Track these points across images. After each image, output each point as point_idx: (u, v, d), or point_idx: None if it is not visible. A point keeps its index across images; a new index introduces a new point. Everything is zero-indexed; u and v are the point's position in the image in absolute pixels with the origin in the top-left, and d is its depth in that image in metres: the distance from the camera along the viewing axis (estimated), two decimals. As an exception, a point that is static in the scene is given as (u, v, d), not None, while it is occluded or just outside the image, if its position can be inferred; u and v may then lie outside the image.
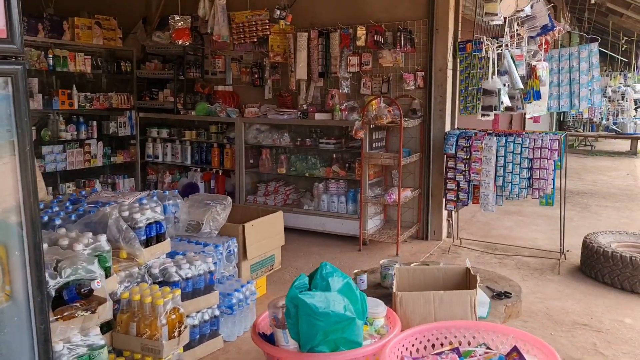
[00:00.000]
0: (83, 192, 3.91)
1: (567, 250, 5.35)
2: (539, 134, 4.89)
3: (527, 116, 4.68)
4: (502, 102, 3.95)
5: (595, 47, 5.02)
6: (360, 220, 5.46)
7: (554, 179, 4.87)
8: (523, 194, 4.89)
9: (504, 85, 3.95)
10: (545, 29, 3.98)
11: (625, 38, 12.31)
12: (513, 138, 4.84)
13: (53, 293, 2.14)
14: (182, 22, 6.11)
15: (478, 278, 2.25)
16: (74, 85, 6.01)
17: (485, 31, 5.57)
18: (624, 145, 14.56)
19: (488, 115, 4.03)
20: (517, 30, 4.01)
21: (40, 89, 5.69)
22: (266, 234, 4.20)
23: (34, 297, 1.98)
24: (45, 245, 2.49)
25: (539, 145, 4.74)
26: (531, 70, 4.22)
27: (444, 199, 5.33)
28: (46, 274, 2.13)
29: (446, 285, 2.39)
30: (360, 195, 5.44)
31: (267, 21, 5.90)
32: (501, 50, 4.02)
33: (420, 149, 5.73)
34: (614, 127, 13.91)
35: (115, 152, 6.63)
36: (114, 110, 6.58)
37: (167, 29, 6.34)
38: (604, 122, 14.66)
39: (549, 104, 5.11)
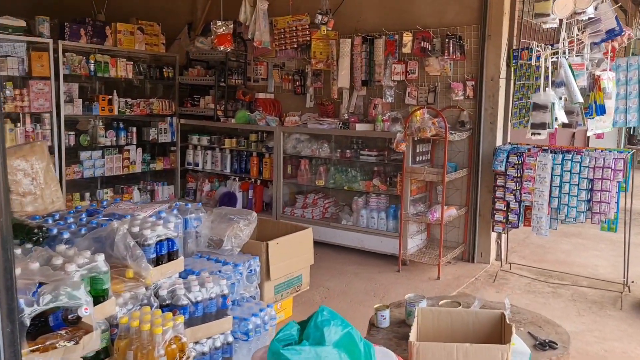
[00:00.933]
0: (104, 202, 3.78)
1: (632, 282, 4.80)
2: (602, 151, 4.39)
3: (588, 133, 4.18)
4: (556, 119, 3.49)
5: (670, 55, 4.47)
6: (400, 238, 5.11)
7: (617, 203, 4.36)
8: (581, 218, 4.40)
9: (560, 98, 3.49)
10: (611, 34, 3.49)
11: None
12: (571, 156, 4.36)
13: (28, 322, 1.94)
14: (224, 28, 5.97)
15: (513, 329, 1.89)
16: (115, 91, 5.98)
17: (543, 37, 5.12)
18: (702, 162, 13.39)
19: (539, 134, 3.58)
20: (577, 35, 3.54)
21: (81, 94, 5.67)
22: (293, 252, 3.93)
23: (3, 328, 1.79)
24: (36, 265, 2.32)
25: (601, 165, 4.25)
26: (594, 81, 3.73)
27: (491, 220, 4.89)
28: (21, 301, 1.94)
29: (476, 333, 2.04)
30: (401, 212, 5.08)
31: (307, 26, 5.66)
32: (557, 58, 3.56)
33: (469, 164, 5.31)
34: (691, 142, 12.79)
35: (154, 158, 6.57)
36: (155, 117, 6.52)
37: (210, 35, 6.22)
38: (679, 136, 13.52)
39: (615, 119, 4.59)
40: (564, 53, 3.61)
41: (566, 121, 3.61)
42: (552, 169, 4.42)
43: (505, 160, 4.65)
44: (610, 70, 3.98)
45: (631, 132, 15.07)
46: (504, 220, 4.75)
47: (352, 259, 5.43)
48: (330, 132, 5.72)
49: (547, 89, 3.55)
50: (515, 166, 4.59)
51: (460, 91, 5.25)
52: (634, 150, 4.42)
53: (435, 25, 5.35)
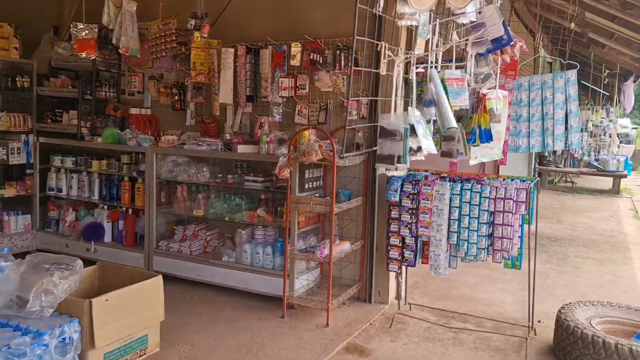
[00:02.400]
0: None
1: (539, 321, 4.37)
2: (504, 180, 3.91)
3: (470, 162, 3.65)
4: (419, 148, 2.85)
5: (573, 75, 4.09)
6: (284, 279, 4.41)
7: (521, 238, 3.88)
8: (482, 256, 3.88)
9: (430, 121, 2.89)
10: (498, 44, 2.95)
11: (607, 71, 11.57)
12: (471, 185, 3.85)
13: None
14: (87, 32, 5.10)
15: None
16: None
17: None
18: (606, 182, 13.79)
19: (389, 169, 2.95)
20: (457, 43, 2.97)
21: None
22: (133, 309, 3.12)
23: None
24: None
25: (503, 196, 3.76)
26: (478, 101, 3.19)
27: (386, 257, 4.29)
28: None
29: None
30: (286, 247, 4.39)
31: (174, 31, 4.90)
32: (425, 70, 2.96)
33: (365, 192, 4.72)
34: (595, 163, 13.09)
35: (3, 183, 5.53)
36: (5, 134, 5.50)
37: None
38: (585, 157, 13.86)
39: (517, 143, 4.16)
40: (436, 63, 3.00)
41: (433, 150, 2.97)
42: (451, 199, 3.88)
43: (399, 189, 4.07)
44: (506, 88, 3.48)
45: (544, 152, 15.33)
46: (400, 258, 4.17)
47: (232, 302, 4.66)
48: (208, 154, 4.97)
49: (409, 109, 2.93)
50: (411, 196, 4.02)
51: (354, 110, 4.66)
52: (537, 179, 3.97)
53: (328, 35, 4.75)
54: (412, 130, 2.75)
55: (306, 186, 4.57)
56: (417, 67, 3.10)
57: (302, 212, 4.47)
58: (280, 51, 4.84)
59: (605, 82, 11.84)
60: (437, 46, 2.94)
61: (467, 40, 2.87)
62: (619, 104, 12.55)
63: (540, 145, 4.26)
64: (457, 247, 3.93)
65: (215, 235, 5.29)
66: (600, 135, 13.05)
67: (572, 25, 7.32)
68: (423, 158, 2.92)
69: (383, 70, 3.04)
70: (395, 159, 2.84)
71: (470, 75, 3.05)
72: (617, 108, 13.23)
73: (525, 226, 3.92)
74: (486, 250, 3.88)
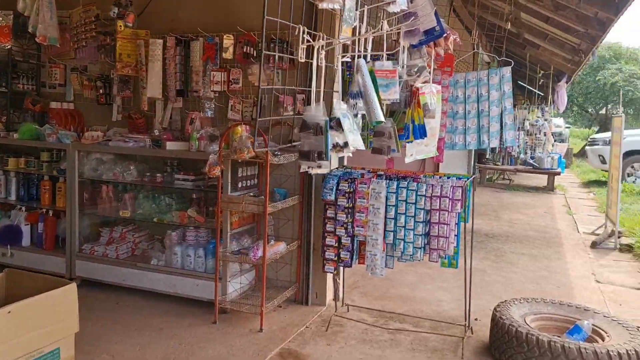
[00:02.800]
0: None
1: (476, 319, 4.35)
2: (440, 177, 3.84)
3: (406, 159, 3.55)
4: (345, 144, 2.68)
5: (507, 72, 4.07)
6: (215, 282, 4.19)
7: (457, 236, 3.82)
8: (418, 255, 3.79)
9: (357, 115, 2.75)
10: (430, 35, 2.85)
11: (542, 72, 11.93)
12: (407, 183, 3.76)
13: None
14: (1, 19, 4.70)
15: None
16: None
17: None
18: (542, 180, 14.22)
19: (311, 167, 2.77)
20: (389, 32, 2.85)
21: None
22: (41, 321, 2.84)
23: None
24: None
25: (439, 193, 3.68)
26: (412, 95, 3.07)
27: (322, 258, 4.15)
28: None
29: None
30: (217, 249, 4.18)
31: (94, 19, 4.59)
32: (350, 59, 2.81)
33: (301, 190, 4.56)
34: (531, 161, 13.48)
35: None
36: None
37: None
38: (522, 155, 14.25)
39: (454, 140, 4.11)
40: (365, 52, 2.84)
41: (361, 146, 2.80)
42: (387, 198, 3.78)
43: (335, 187, 3.93)
44: (442, 85, 3.40)
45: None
46: (336, 258, 4.03)
47: (161, 308, 4.41)
48: (136, 152, 4.68)
49: (334, 101, 2.78)
50: (347, 195, 3.89)
51: (289, 105, 4.49)
52: (474, 176, 3.93)
53: (261, 28, 4.55)
54: (339, 125, 2.59)
55: (240, 185, 4.37)
56: (343, 56, 2.96)
57: (234, 212, 4.27)
58: (212, 43, 4.61)
59: (540, 83, 12.19)
60: (366, 32, 2.78)
61: (398, 28, 2.73)
62: (553, 104, 12.96)
63: (476, 143, 4.23)
64: (394, 246, 3.83)
65: (144, 237, 5.01)
66: (535, 134, 13.43)
67: (508, 25, 7.44)
68: (350, 154, 2.77)
69: (302, 57, 2.88)
70: (315, 155, 2.62)
71: (402, 67, 2.91)
72: (552, 108, 13.68)
73: (462, 224, 3.87)
74: (422, 249, 3.80)
